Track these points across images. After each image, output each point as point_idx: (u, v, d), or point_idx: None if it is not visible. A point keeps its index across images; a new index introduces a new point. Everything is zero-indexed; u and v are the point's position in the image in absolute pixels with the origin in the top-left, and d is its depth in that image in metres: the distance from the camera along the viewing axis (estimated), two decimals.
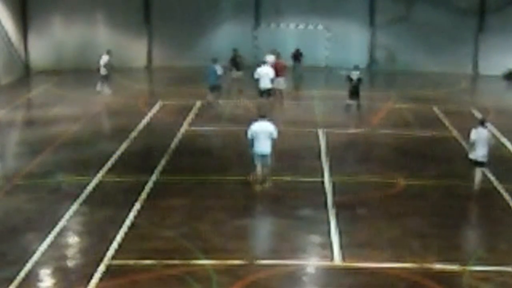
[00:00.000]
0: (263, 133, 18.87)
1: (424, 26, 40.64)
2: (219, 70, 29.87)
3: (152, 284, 13.43)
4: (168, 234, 15.85)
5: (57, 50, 39.88)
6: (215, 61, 29.83)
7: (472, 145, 18.84)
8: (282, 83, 30.59)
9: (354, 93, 28.94)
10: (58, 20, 39.95)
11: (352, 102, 28.97)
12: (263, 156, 19.02)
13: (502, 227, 16.82)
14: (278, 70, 30.36)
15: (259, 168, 19.11)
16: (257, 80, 28.87)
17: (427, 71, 39.72)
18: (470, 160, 19.03)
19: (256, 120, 19.44)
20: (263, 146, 18.89)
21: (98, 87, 32.91)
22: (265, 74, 28.75)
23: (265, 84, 28.69)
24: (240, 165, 21.77)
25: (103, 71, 32.99)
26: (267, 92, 28.83)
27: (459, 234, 16.35)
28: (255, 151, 19.03)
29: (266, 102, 28.62)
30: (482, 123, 19.24)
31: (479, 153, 18.72)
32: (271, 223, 16.86)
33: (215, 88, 29.84)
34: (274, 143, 19.19)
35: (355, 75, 29.27)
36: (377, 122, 28.13)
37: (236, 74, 32.87)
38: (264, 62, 29.80)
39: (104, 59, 33.06)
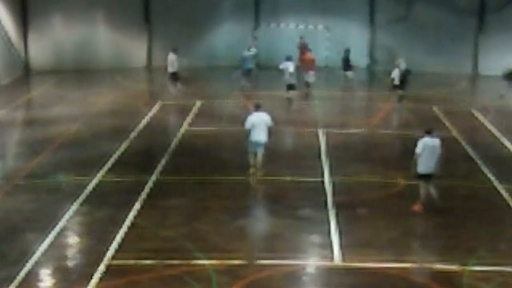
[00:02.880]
0: (260, 123, 19.76)
1: (424, 26, 40.63)
2: (253, 53, 33.81)
3: (152, 284, 13.43)
4: (168, 234, 15.85)
5: (57, 50, 39.85)
6: (249, 48, 34.13)
7: (418, 157, 17.35)
8: (311, 77, 32.00)
9: (403, 83, 30.09)
10: (58, 20, 39.91)
11: (402, 93, 29.99)
12: (259, 145, 19.80)
13: (502, 227, 16.82)
14: (307, 63, 31.02)
15: (252, 160, 19.88)
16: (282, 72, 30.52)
17: (427, 71, 39.67)
18: (420, 175, 17.60)
19: (255, 109, 20.32)
20: (260, 135, 19.71)
21: (178, 86, 32.43)
22: (286, 68, 30.20)
23: (286, 78, 30.16)
24: (240, 165, 21.76)
25: (173, 69, 32.23)
26: (290, 87, 30.15)
27: (459, 234, 16.34)
28: (252, 139, 19.79)
29: (291, 96, 30.13)
30: (428, 132, 17.80)
31: (428, 164, 17.40)
32: (271, 223, 16.87)
33: (249, 72, 32.79)
34: (271, 132, 19.87)
35: (402, 65, 30.01)
36: (377, 122, 28.14)
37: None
38: (289, 57, 30.26)
39: (172, 57, 32.19)
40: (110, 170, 20.77)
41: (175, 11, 41.22)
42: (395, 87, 30.33)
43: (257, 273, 13.91)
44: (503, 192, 19.19)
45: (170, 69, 32.19)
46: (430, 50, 40.25)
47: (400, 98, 29.75)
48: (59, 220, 16.51)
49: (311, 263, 14.70)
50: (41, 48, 39.38)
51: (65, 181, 20.00)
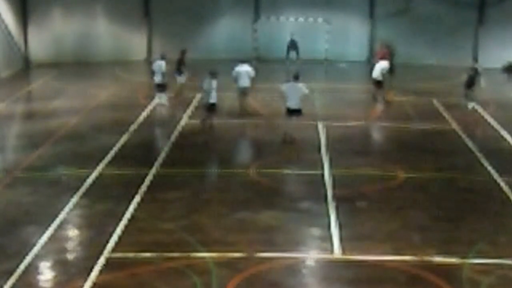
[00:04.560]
0: (243, 73, 26.64)
1: (424, 19, 40.63)
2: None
3: (152, 277, 13.42)
4: (168, 227, 15.85)
5: (56, 43, 39.86)
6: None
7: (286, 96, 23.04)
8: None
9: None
10: (57, 12, 39.91)
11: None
12: (244, 88, 26.67)
13: (502, 220, 16.81)
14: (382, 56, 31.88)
15: (241, 98, 26.57)
16: None
17: (427, 64, 39.71)
18: (287, 109, 23.19)
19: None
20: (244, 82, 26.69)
21: (163, 99, 29.10)
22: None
23: None
24: (240, 158, 21.80)
25: (160, 80, 28.61)
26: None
27: (459, 227, 16.34)
28: (238, 86, 26.80)
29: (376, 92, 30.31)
30: (296, 77, 23.20)
31: (292, 102, 22.91)
32: (271, 216, 16.85)
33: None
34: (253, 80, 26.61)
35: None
36: (377, 115, 28.12)
37: (179, 79, 30.01)
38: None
39: (160, 64, 28.61)
40: (110, 163, 20.77)
41: (175, 4, 41.22)
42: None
43: (257, 266, 13.91)
44: (502, 185, 19.19)
45: (157, 79, 28.61)
46: (430, 43, 40.24)
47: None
48: (59, 213, 16.50)
49: (311, 256, 14.69)
50: (41, 41, 39.38)
51: (65, 174, 19.99)
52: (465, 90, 28.76)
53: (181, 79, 29.92)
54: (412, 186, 19.23)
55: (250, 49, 40.31)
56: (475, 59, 30.24)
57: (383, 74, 29.69)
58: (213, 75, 24.49)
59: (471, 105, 28.50)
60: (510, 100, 31.79)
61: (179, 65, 30.02)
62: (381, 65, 29.77)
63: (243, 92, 27.12)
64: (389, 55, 32.59)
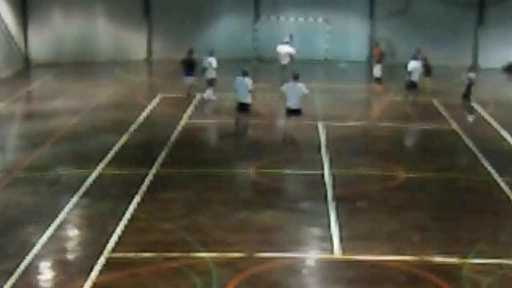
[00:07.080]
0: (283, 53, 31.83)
1: (424, 18, 40.61)
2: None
3: (151, 277, 13.43)
4: (168, 227, 15.85)
5: (57, 43, 39.83)
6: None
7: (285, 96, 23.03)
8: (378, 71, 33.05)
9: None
10: (58, 12, 39.88)
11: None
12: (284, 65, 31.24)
13: (502, 220, 16.83)
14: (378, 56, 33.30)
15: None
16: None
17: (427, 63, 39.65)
18: (287, 109, 23.12)
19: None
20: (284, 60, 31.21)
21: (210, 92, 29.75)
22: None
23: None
24: (240, 158, 21.78)
25: (212, 75, 29.48)
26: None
27: (459, 227, 16.34)
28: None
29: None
30: (295, 77, 23.11)
31: (292, 102, 22.82)
32: (271, 216, 16.86)
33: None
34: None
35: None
36: (377, 114, 28.11)
37: (188, 79, 29.95)
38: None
39: (212, 61, 29.60)
40: (110, 163, 20.77)
41: (175, 4, 41.20)
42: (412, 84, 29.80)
43: (257, 266, 13.91)
44: (502, 185, 19.20)
45: (209, 75, 29.36)
46: (429, 42, 40.14)
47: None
48: (59, 213, 16.51)
49: (311, 256, 14.70)
50: (41, 41, 39.34)
51: (64, 174, 20.00)
52: (462, 101, 28.20)
53: (191, 79, 29.87)
54: (412, 186, 19.24)
55: (250, 49, 40.31)
56: (471, 68, 29.69)
57: (421, 75, 29.72)
58: (245, 74, 24.18)
59: (471, 117, 27.65)
60: (510, 100, 31.80)
61: (188, 65, 29.97)
62: (416, 67, 29.56)
63: (283, 67, 32.72)
64: (425, 59, 32.44)
